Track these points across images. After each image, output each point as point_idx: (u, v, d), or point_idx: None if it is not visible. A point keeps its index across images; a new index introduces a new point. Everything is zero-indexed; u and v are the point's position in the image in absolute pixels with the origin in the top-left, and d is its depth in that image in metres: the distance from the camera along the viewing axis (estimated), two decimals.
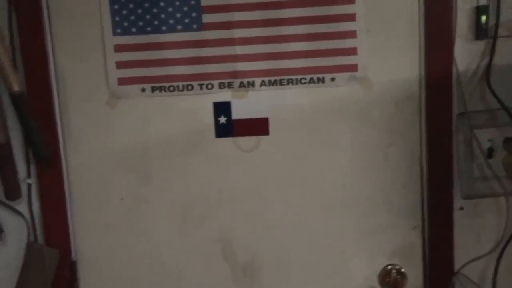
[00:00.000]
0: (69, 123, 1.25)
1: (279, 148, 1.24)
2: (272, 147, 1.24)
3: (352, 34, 1.18)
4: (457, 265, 1.25)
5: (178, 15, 1.19)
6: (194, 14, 1.19)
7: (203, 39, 1.20)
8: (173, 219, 1.28)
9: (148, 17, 1.20)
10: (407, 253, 1.26)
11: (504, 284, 1.24)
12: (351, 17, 1.18)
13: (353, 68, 1.20)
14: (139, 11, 1.19)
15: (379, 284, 1.28)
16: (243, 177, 1.25)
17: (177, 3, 1.19)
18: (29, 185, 1.25)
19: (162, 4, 1.19)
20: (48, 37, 1.21)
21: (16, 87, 1.17)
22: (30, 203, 1.26)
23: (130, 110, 1.24)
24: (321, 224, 1.26)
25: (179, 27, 1.20)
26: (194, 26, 1.20)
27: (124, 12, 1.20)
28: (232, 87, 1.22)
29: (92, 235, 1.29)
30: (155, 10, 1.19)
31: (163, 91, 1.23)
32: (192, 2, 1.19)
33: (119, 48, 1.21)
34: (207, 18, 1.19)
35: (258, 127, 1.24)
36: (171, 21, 1.20)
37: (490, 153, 1.21)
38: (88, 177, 1.27)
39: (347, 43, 1.19)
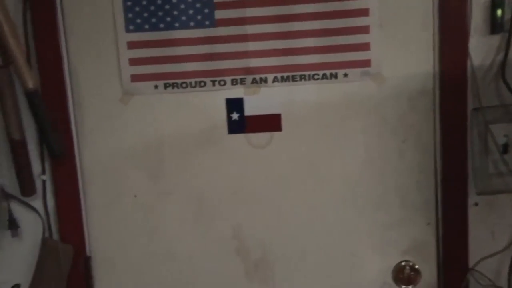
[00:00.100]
0: (82, 120, 1.26)
1: (291, 144, 1.24)
2: (284, 143, 1.24)
3: (365, 29, 1.18)
4: (471, 262, 1.24)
5: (191, 11, 1.19)
6: (206, 11, 1.19)
7: (215, 35, 1.20)
8: (186, 216, 1.28)
9: (160, 14, 1.20)
10: (421, 250, 1.26)
11: None
12: (364, 12, 1.17)
13: (366, 63, 1.19)
14: (152, 8, 1.20)
15: (393, 280, 1.27)
16: (256, 173, 1.26)
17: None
18: (44, 182, 1.27)
19: (174, 1, 1.19)
20: (62, 35, 1.23)
21: (30, 85, 1.18)
22: (45, 199, 1.27)
23: (143, 107, 1.25)
24: (334, 220, 1.26)
25: (192, 23, 1.20)
26: (207, 22, 1.20)
27: (137, 9, 1.20)
28: (245, 84, 1.22)
29: (106, 231, 1.30)
30: (167, 7, 1.20)
31: (175, 88, 1.23)
32: None
33: (132, 45, 1.21)
34: (219, 14, 1.19)
35: (270, 123, 1.23)
36: (184, 18, 1.20)
37: (505, 148, 1.20)
38: (101, 174, 1.28)
39: (360, 38, 1.18)
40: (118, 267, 1.31)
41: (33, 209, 1.27)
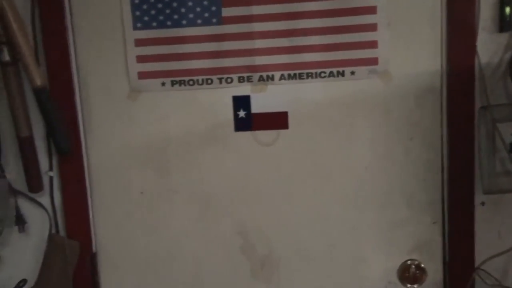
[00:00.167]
0: (90, 117, 1.27)
1: (298, 142, 1.24)
2: (291, 141, 1.24)
3: (372, 27, 1.17)
4: (477, 261, 1.23)
5: (198, 9, 1.20)
6: (213, 8, 1.19)
7: (222, 33, 1.20)
8: (192, 213, 1.29)
9: (168, 11, 1.20)
10: (427, 248, 1.25)
11: None
12: (371, 10, 1.17)
13: (373, 61, 1.19)
14: (159, 5, 1.20)
15: (398, 279, 1.27)
16: (262, 171, 1.26)
17: None
18: (51, 178, 1.27)
19: None
20: (70, 33, 1.23)
21: (38, 82, 1.19)
22: (52, 195, 1.28)
23: (150, 104, 1.25)
24: (340, 218, 1.26)
25: (199, 21, 1.20)
26: (214, 20, 1.20)
27: (145, 6, 1.20)
28: (252, 81, 1.22)
29: (112, 227, 1.30)
30: (175, 4, 1.20)
31: (183, 85, 1.23)
32: None
33: (139, 42, 1.22)
34: (226, 12, 1.19)
35: (277, 121, 1.23)
36: (191, 15, 1.20)
37: None
38: (108, 171, 1.28)
39: (367, 36, 1.18)
40: (123, 263, 1.32)
41: (40, 205, 1.28)
